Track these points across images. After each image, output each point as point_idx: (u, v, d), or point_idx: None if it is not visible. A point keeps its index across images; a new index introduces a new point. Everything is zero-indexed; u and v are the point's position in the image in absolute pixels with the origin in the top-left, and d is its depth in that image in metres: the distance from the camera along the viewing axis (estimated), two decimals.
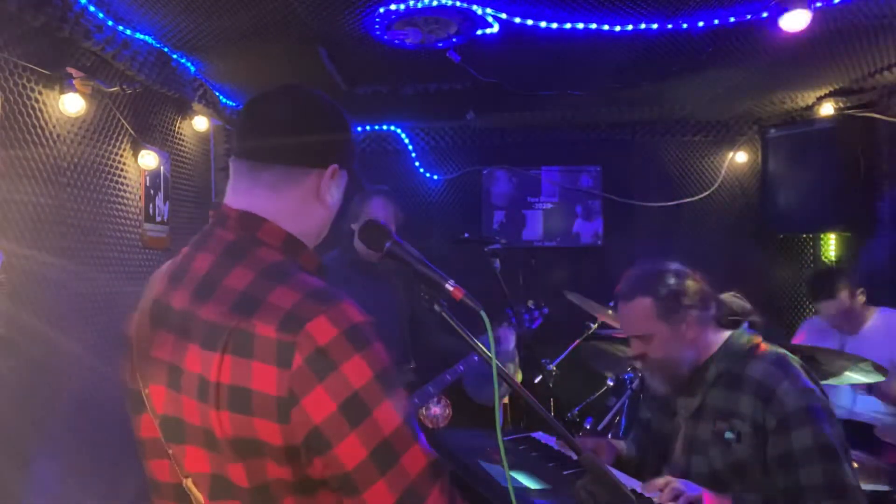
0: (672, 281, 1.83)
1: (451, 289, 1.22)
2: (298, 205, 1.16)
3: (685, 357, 1.83)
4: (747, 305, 1.93)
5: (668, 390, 1.91)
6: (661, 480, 1.68)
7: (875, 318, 3.23)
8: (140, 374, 1.12)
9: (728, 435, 1.74)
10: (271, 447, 0.98)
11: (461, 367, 2.95)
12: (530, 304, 3.24)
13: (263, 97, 1.20)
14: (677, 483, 1.65)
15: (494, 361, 1.18)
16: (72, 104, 2.48)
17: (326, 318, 0.98)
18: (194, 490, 1.07)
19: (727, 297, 1.93)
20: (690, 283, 1.83)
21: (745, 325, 1.89)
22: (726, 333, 1.87)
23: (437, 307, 1.26)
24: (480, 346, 1.27)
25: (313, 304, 0.99)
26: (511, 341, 3.13)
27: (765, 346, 1.83)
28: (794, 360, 1.78)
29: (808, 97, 4.00)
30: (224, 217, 1.15)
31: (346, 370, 0.97)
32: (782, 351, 1.82)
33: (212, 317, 1.03)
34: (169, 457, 1.09)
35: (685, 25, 2.80)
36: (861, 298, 3.22)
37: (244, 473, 1.01)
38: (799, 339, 3.51)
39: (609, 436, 3.10)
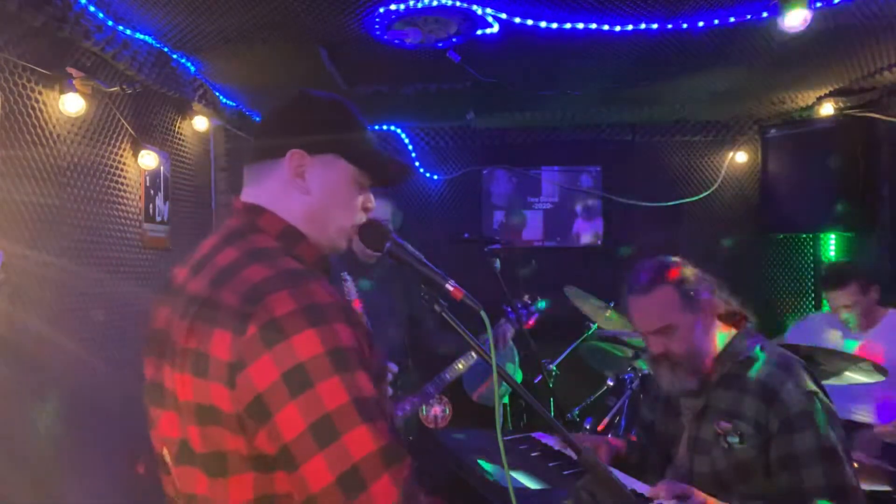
0: (687, 270, 1.83)
1: (451, 289, 1.23)
2: (278, 194, 1.20)
3: (706, 346, 1.81)
4: (747, 310, 1.93)
5: (694, 386, 1.82)
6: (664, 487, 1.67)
7: (887, 319, 3.20)
8: (144, 349, 1.19)
9: (731, 438, 1.74)
10: (224, 414, 1.00)
11: (459, 366, 2.95)
12: (526, 298, 3.23)
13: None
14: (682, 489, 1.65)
15: (495, 362, 1.18)
16: (72, 104, 2.48)
17: (288, 294, 1.00)
18: (167, 456, 1.13)
19: (729, 298, 1.93)
20: (703, 275, 1.84)
21: (749, 326, 1.89)
22: (731, 333, 1.87)
23: (437, 307, 1.25)
24: (480, 347, 1.27)
25: (281, 281, 1.02)
26: (509, 337, 3.13)
27: (769, 348, 1.83)
28: (798, 362, 1.78)
29: (808, 97, 4.00)
30: (233, 209, 1.24)
31: (296, 342, 0.97)
32: (786, 352, 1.82)
33: (193, 289, 1.09)
34: (154, 423, 1.16)
35: (685, 25, 2.79)
36: (874, 296, 3.19)
37: (199, 438, 1.04)
38: (791, 336, 3.48)
39: (609, 436, 3.10)
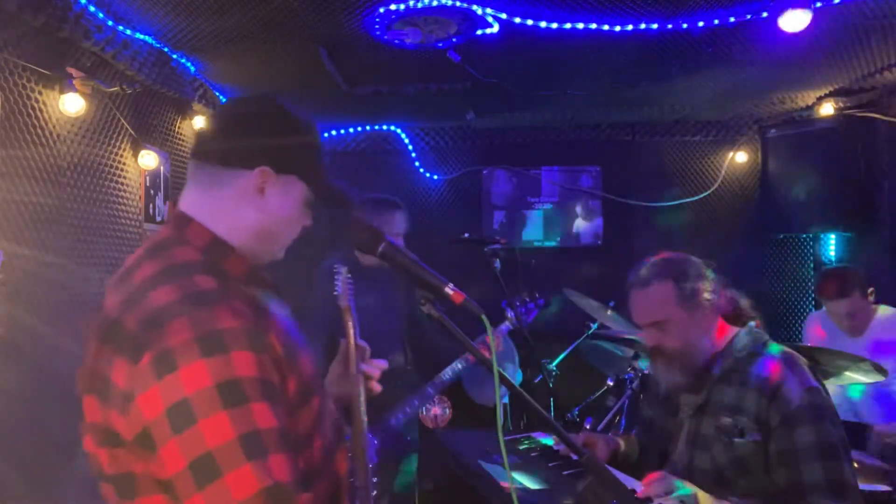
0: (690, 267, 1.83)
1: (450, 293, 1.20)
2: (229, 205, 1.16)
3: (702, 346, 1.82)
4: (750, 305, 1.93)
5: (686, 383, 1.86)
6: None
7: (880, 318, 3.21)
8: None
9: (731, 431, 1.74)
10: (124, 440, 0.99)
11: (459, 366, 2.95)
12: (524, 296, 3.23)
13: (224, 103, 1.22)
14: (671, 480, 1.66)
15: (495, 364, 1.17)
16: (72, 104, 2.48)
17: (188, 320, 0.97)
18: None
19: (733, 295, 1.94)
20: (707, 272, 1.84)
21: (751, 323, 1.90)
22: (734, 330, 1.87)
23: (434, 312, 1.22)
24: (479, 351, 1.25)
25: (183, 305, 0.99)
26: (505, 334, 3.12)
27: (771, 344, 1.84)
28: (800, 359, 1.79)
29: (808, 97, 4.00)
30: (167, 216, 1.20)
31: (183, 374, 0.94)
32: (788, 349, 1.83)
33: (108, 307, 1.07)
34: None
35: (685, 25, 2.80)
36: (871, 298, 3.19)
37: (108, 459, 1.03)
38: (814, 330, 3.47)
39: (609, 433, 3.10)
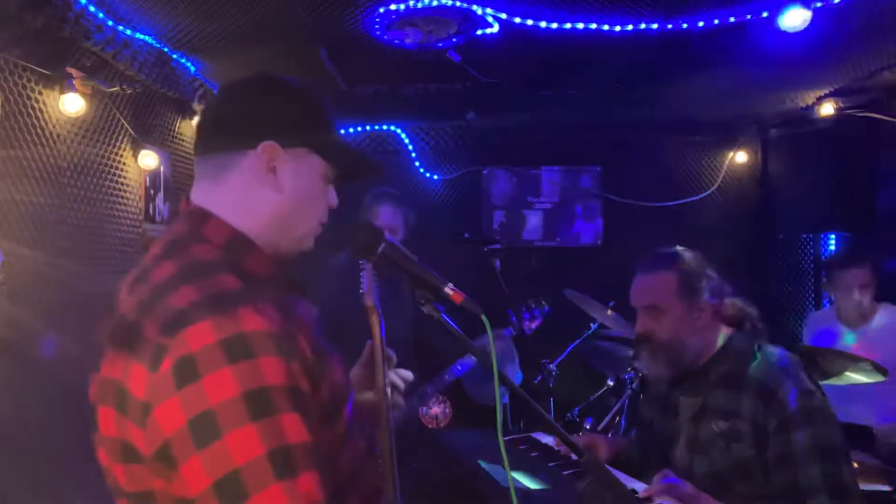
0: (698, 266, 1.84)
1: (450, 293, 1.18)
2: (242, 192, 1.08)
3: (692, 343, 1.83)
4: (752, 310, 1.94)
5: (668, 376, 1.89)
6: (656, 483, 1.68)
7: (881, 315, 3.23)
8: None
9: (729, 436, 1.74)
10: (143, 455, 0.91)
11: (458, 367, 2.95)
12: (530, 303, 3.23)
13: (216, 92, 1.18)
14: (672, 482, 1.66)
15: (495, 364, 1.17)
16: (72, 104, 2.47)
17: (211, 323, 0.89)
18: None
19: (734, 299, 1.94)
20: (712, 274, 1.85)
21: (748, 325, 1.90)
22: (731, 332, 1.87)
23: (434, 312, 1.20)
24: (479, 352, 1.24)
25: (206, 307, 0.91)
26: (508, 337, 3.12)
27: (767, 348, 1.84)
28: (796, 362, 1.79)
29: (808, 97, 3.99)
30: (179, 213, 1.12)
31: (208, 383, 0.86)
32: (785, 352, 1.83)
33: (125, 309, 1.00)
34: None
35: (685, 25, 2.79)
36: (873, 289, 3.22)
37: (124, 477, 0.96)
38: (815, 328, 3.48)
39: (609, 435, 3.10)
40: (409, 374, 1.45)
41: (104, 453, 1.01)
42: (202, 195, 1.11)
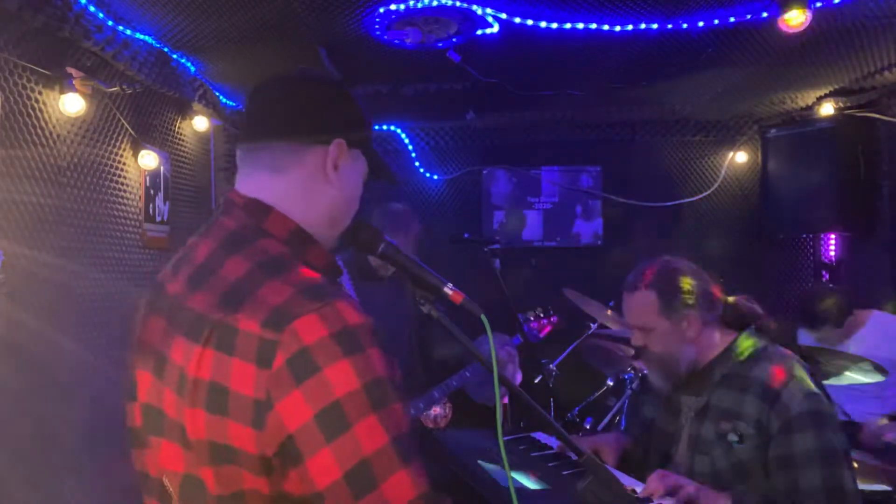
0: (678, 279, 1.84)
1: (450, 293, 1.18)
2: (303, 186, 1.09)
3: (684, 355, 1.85)
4: (758, 309, 1.93)
5: (666, 387, 1.93)
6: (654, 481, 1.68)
7: (870, 322, 3.21)
8: (133, 357, 1.08)
9: (731, 437, 1.74)
10: (246, 455, 0.90)
11: (468, 373, 2.94)
12: (538, 311, 3.22)
13: (264, 82, 1.16)
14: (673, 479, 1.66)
15: (495, 364, 1.17)
16: (72, 104, 2.47)
17: (317, 317, 0.89)
18: (170, 488, 1.01)
19: (736, 299, 1.94)
20: (697, 283, 1.85)
21: (752, 327, 1.90)
22: (733, 335, 1.87)
23: (434, 313, 1.21)
24: (479, 352, 1.24)
25: (305, 301, 0.91)
26: (512, 342, 3.12)
27: (771, 349, 1.84)
28: (800, 364, 1.79)
29: (808, 97, 4.00)
30: (230, 204, 1.09)
31: (330, 375, 0.87)
32: (788, 353, 1.83)
33: (199, 306, 0.97)
34: (152, 448, 1.04)
35: (685, 25, 2.79)
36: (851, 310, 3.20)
37: (214, 480, 0.93)
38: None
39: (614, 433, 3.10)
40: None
41: (175, 458, 0.98)
42: (256, 186, 1.09)
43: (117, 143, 2.93)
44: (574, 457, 1.73)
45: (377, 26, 2.79)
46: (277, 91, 1.14)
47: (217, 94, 3.76)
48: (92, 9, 2.49)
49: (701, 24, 2.77)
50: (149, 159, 3.05)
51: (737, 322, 1.91)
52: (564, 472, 1.79)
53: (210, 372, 0.91)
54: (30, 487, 2.24)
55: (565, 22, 2.79)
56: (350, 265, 2.82)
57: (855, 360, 2.50)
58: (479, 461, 1.76)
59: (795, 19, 2.52)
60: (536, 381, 3.63)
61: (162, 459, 1.01)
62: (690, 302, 1.82)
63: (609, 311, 3.61)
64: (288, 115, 1.11)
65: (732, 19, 2.73)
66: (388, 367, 0.93)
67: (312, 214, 1.09)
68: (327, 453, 0.86)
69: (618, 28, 2.83)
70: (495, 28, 2.85)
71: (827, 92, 3.87)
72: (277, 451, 0.88)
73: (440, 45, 2.99)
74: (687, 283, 1.84)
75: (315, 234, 1.10)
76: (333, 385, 0.87)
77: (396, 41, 2.92)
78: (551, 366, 3.72)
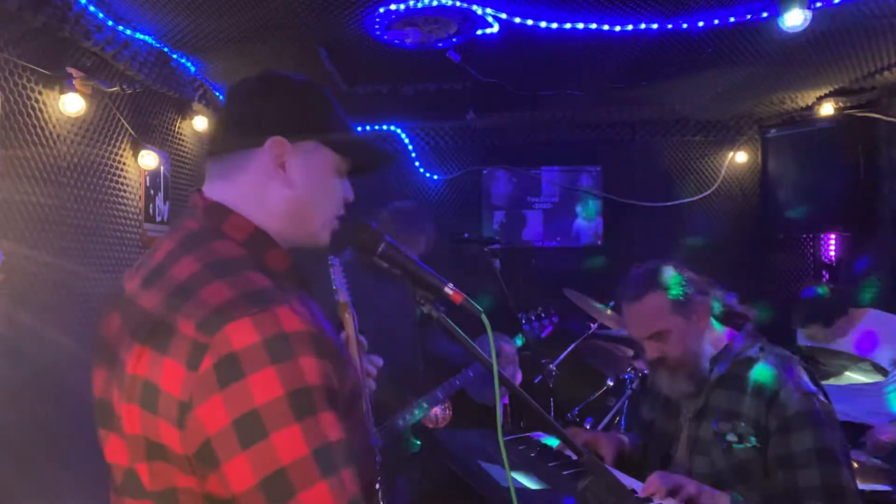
0: (673, 273, 1.84)
1: (450, 293, 1.18)
2: (254, 190, 1.09)
3: (703, 349, 1.83)
4: (752, 311, 1.93)
5: (693, 390, 1.85)
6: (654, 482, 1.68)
7: (867, 321, 3.21)
8: (92, 354, 1.09)
9: (730, 437, 1.74)
10: (174, 454, 0.91)
11: (471, 373, 2.94)
12: (539, 311, 3.22)
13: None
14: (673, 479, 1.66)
15: (495, 364, 1.17)
16: (72, 104, 2.47)
17: (251, 322, 0.89)
18: (116, 480, 1.03)
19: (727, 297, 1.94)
20: (686, 272, 1.86)
21: (749, 326, 1.90)
22: (731, 333, 1.87)
23: (434, 312, 1.21)
24: (478, 351, 1.24)
25: (243, 305, 0.91)
26: (513, 343, 3.12)
27: (769, 348, 1.84)
28: (798, 363, 1.79)
29: (808, 97, 3.99)
30: (195, 206, 1.10)
31: (253, 382, 0.86)
32: (786, 353, 1.83)
33: (148, 305, 0.98)
34: (105, 442, 1.05)
35: (685, 25, 2.79)
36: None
37: (148, 475, 0.95)
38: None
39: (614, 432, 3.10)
40: (379, 360, 1.55)
41: (120, 451, 0.99)
42: (218, 192, 1.10)
43: (117, 143, 2.93)
44: (574, 457, 1.73)
45: (377, 26, 2.79)
46: (225, 102, 1.18)
47: (217, 94, 3.76)
48: (92, 9, 2.49)
49: (701, 24, 2.77)
50: (149, 159, 3.05)
51: (732, 320, 1.90)
52: (564, 472, 1.79)
53: (146, 370, 0.93)
54: (29, 486, 2.24)
55: (565, 22, 2.79)
56: (354, 264, 2.81)
57: (855, 360, 2.50)
58: (479, 461, 1.76)
59: (795, 19, 2.52)
60: (536, 381, 3.63)
61: (109, 453, 1.03)
62: (692, 290, 1.82)
63: (609, 311, 3.61)
64: (227, 123, 1.14)
65: (732, 19, 2.72)
66: (322, 375, 0.91)
67: (270, 216, 1.09)
68: (242, 459, 0.86)
69: (618, 28, 2.83)
70: (495, 28, 2.85)
71: (827, 92, 3.87)
72: (196, 453, 0.89)
73: (440, 45, 2.99)
74: (681, 274, 1.85)
75: (279, 235, 1.09)
76: (254, 392, 0.86)
77: (396, 41, 2.92)
78: (551, 366, 3.72)
